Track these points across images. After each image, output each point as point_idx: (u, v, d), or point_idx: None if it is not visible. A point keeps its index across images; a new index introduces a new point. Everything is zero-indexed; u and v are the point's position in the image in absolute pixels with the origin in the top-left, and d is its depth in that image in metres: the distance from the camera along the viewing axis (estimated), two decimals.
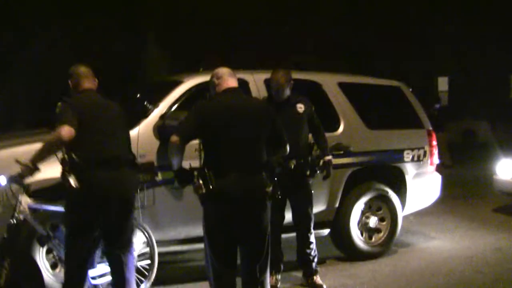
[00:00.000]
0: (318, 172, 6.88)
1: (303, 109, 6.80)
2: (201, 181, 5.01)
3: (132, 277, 5.56)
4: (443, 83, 28.55)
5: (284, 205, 6.84)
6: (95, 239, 5.46)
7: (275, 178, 5.32)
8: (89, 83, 5.50)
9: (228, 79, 5.33)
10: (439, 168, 8.97)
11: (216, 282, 5.22)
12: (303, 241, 6.96)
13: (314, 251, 7.00)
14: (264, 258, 5.26)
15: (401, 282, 7.20)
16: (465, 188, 14.26)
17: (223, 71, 5.38)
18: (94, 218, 5.31)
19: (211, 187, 4.97)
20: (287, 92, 6.69)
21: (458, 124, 21.62)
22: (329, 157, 6.91)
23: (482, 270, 7.65)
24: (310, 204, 6.93)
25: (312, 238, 6.97)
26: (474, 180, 14.99)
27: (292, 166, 6.63)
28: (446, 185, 13.40)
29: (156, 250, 6.48)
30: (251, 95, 7.13)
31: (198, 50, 18.77)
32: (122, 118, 5.55)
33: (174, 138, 5.10)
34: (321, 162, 6.85)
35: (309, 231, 6.93)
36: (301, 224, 6.93)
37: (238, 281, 5.27)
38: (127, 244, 5.53)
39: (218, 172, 5.01)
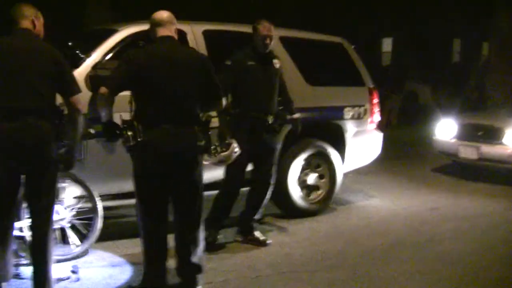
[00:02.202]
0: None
1: (278, 65, 6.79)
2: (129, 133, 4.83)
3: (49, 240, 5.02)
4: (387, 44, 28.63)
5: (247, 164, 6.70)
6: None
7: (209, 133, 5.16)
8: (20, 24, 4.97)
9: (165, 26, 5.09)
10: (383, 128, 8.95)
11: (147, 237, 5.06)
12: (258, 199, 6.87)
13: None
14: (197, 213, 5.13)
15: (338, 240, 7.12)
16: (406, 149, 14.37)
17: (162, 17, 5.13)
18: (4, 171, 4.86)
19: (139, 139, 4.80)
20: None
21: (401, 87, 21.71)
22: (298, 115, 6.90)
23: (419, 229, 7.67)
24: (275, 163, 6.85)
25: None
26: (416, 141, 15.08)
27: (270, 121, 6.59)
28: (388, 146, 13.53)
29: (100, 205, 6.25)
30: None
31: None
32: (44, 65, 4.89)
33: (103, 90, 4.88)
34: (287, 118, 6.84)
35: (268, 190, 6.86)
36: (263, 182, 6.82)
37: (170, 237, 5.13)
38: (44, 203, 4.98)
39: (148, 124, 4.84)
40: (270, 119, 6.58)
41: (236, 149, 5.67)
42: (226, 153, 5.60)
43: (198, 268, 5.17)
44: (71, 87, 4.99)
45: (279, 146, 6.90)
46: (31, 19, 5.01)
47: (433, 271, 6.13)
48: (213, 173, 6.61)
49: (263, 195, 6.86)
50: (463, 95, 18.96)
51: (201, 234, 5.21)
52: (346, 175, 8.89)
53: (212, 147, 5.33)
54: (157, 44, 5.07)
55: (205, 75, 5.08)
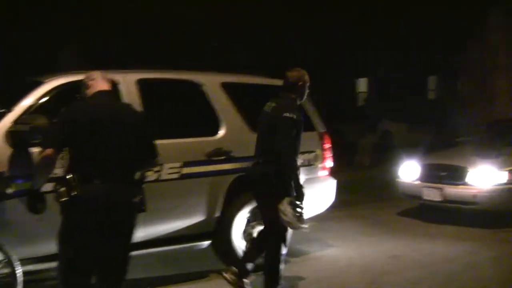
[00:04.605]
0: None
1: None
2: (62, 188, 4.64)
3: None
4: (363, 84, 28.53)
5: None
6: None
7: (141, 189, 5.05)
8: None
9: (101, 81, 5.06)
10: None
11: None
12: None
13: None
14: (123, 274, 4.97)
15: None
16: (373, 191, 13.98)
17: (97, 73, 5.12)
18: None
19: (74, 193, 4.61)
20: None
21: (376, 126, 21.55)
22: None
23: (376, 280, 7.30)
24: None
25: None
26: (385, 183, 14.66)
27: None
28: (356, 188, 13.23)
29: (20, 271, 5.80)
30: (119, 97, 6.62)
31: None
32: None
33: (48, 151, 4.66)
34: None
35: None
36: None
37: None
38: None
39: (83, 178, 4.67)
40: None
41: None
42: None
43: None
44: None
45: None
46: None
47: None
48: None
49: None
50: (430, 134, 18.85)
51: None
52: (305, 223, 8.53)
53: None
54: (95, 98, 4.98)
55: (141, 132, 4.99)
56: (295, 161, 6.13)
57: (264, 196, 6.36)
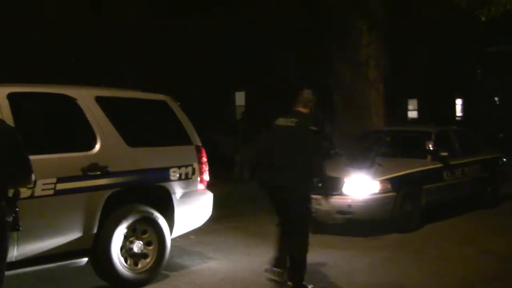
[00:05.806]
0: None
1: None
2: None
3: None
4: (240, 98, 28.72)
5: None
6: None
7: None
8: None
9: None
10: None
11: None
12: None
13: None
14: None
15: None
16: (252, 203, 14.05)
17: None
18: None
19: None
20: None
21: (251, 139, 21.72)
22: None
23: None
24: None
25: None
26: (263, 195, 14.83)
27: None
28: (234, 201, 13.27)
29: None
30: None
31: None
32: None
33: None
34: None
35: None
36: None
37: None
38: None
39: None
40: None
41: None
42: None
43: None
44: None
45: None
46: None
47: None
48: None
49: None
50: None
51: None
52: (186, 236, 8.52)
53: None
54: None
55: (11, 148, 4.85)
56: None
57: (295, 199, 7.14)
